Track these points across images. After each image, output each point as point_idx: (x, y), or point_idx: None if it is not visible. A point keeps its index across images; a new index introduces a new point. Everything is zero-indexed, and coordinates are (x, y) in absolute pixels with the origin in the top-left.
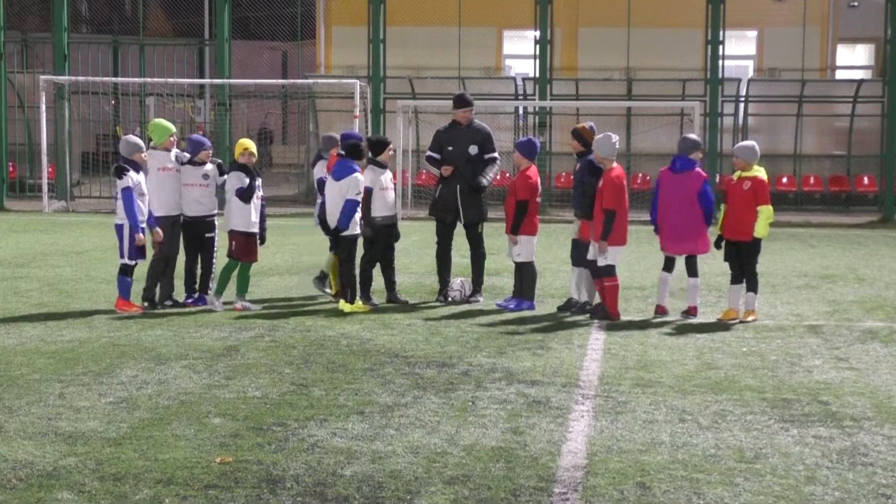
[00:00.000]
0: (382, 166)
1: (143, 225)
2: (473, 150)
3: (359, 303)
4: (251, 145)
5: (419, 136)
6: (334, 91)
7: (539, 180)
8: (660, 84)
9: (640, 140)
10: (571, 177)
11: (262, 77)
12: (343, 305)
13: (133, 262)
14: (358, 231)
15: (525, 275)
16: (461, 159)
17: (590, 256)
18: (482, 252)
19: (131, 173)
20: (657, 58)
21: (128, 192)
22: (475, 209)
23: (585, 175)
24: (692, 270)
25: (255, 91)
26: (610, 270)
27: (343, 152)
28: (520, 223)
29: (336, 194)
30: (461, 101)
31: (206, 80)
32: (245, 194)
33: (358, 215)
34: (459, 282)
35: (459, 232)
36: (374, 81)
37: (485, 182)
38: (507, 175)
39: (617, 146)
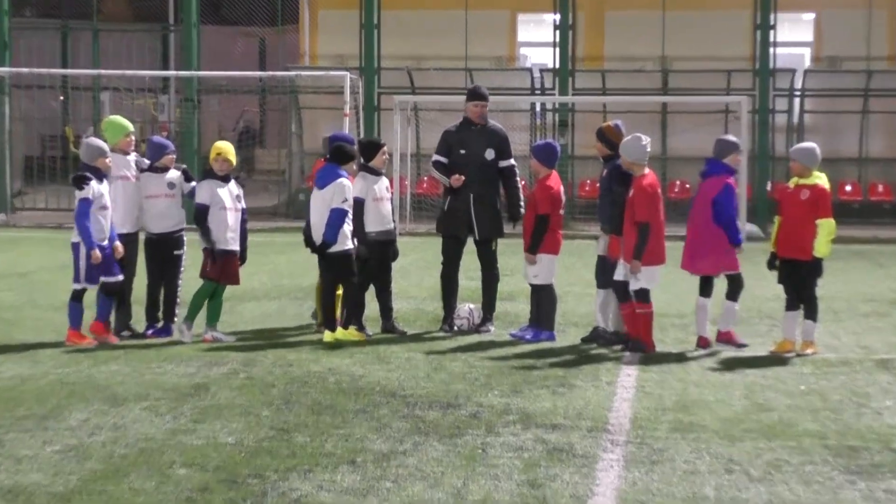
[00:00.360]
0: (376, 173)
1: (105, 242)
2: (490, 154)
3: (353, 329)
4: (226, 149)
5: (419, 136)
6: (321, 85)
7: (562, 190)
8: (700, 76)
9: (678, 141)
10: (597, 185)
11: (236, 69)
12: (329, 336)
13: (88, 287)
14: (350, 246)
15: (543, 300)
16: (475, 165)
17: (618, 277)
18: (495, 273)
19: (93, 183)
20: (697, 45)
21: (84, 205)
22: (491, 223)
23: (613, 182)
24: (728, 292)
25: (227, 85)
26: (643, 295)
27: (328, 156)
28: (540, 240)
29: (321, 205)
30: (475, 94)
31: (171, 73)
32: (197, 216)
33: (348, 228)
34: (467, 308)
35: (468, 249)
36: (367, 74)
37: (522, 210)
38: (524, 184)
39: (648, 149)
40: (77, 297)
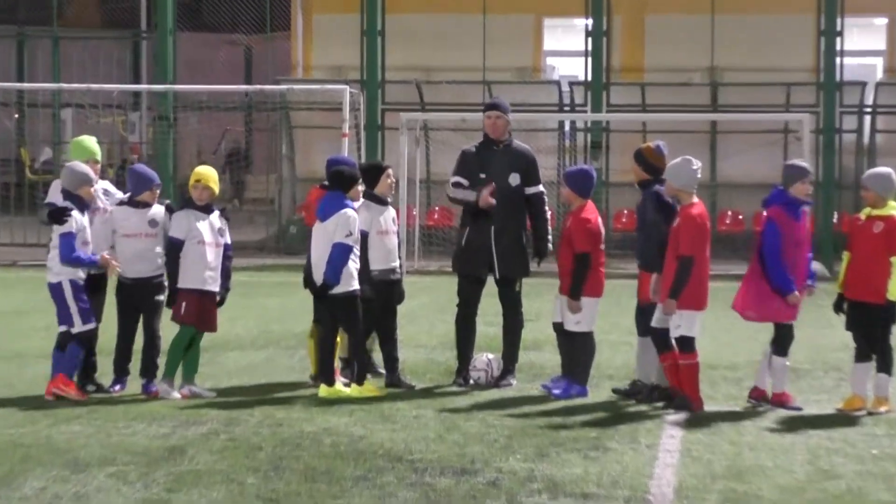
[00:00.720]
0: (381, 202)
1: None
2: (515, 179)
3: (368, 384)
4: (207, 175)
5: (430, 160)
6: (315, 100)
7: (600, 222)
8: (755, 90)
9: (729, 166)
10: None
11: (218, 82)
12: (325, 390)
13: (86, 328)
14: (356, 287)
15: (580, 348)
16: (497, 189)
17: (657, 323)
18: (519, 319)
19: (75, 214)
20: (752, 55)
21: (69, 240)
22: (516, 260)
23: (650, 212)
24: (774, 344)
25: (208, 101)
26: (686, 343)
27: (327, 183)
28: (582, 283)
29: (323, 239)
30: (489, 104)
31: (143, 87)
32: (169, 251)
33: (354, 266)
34: (485, 359)
35: (488, 291)
36: (370, 87)
37: (550, 245)
38: (552, 213)
39: (699, 174)
40: (64, 342)
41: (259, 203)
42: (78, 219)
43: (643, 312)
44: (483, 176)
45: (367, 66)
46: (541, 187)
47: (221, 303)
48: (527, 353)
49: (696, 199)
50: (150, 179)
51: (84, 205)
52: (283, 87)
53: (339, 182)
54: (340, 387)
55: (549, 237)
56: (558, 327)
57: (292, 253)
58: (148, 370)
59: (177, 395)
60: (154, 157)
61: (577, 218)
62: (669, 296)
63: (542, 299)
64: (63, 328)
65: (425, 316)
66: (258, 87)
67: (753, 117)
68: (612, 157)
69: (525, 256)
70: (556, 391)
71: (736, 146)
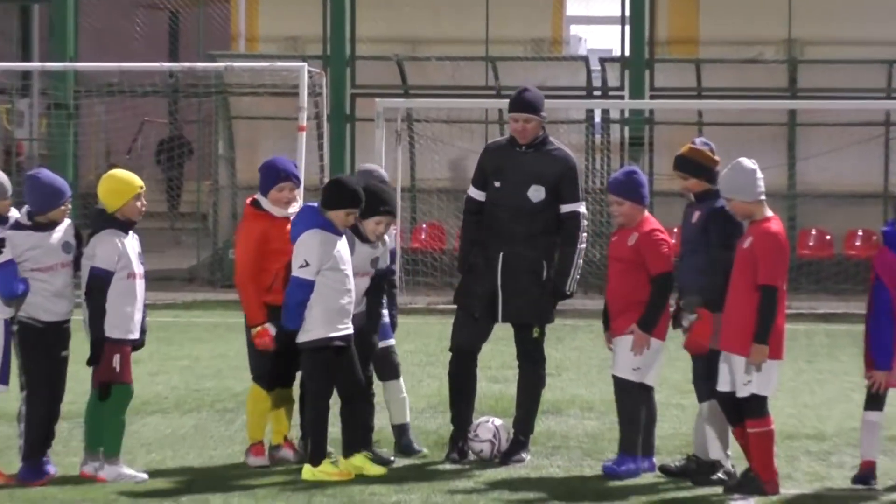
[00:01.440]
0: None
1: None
2: (538, 193)
3: (327, 464)
4: (131, 184)
5: (414, 161)
6: (263, 82)
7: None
8: (846, 69)
9: (813, 170)
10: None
11: (133, 59)
12: (311, 471)
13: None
14: (322, 335)
15: (637, 406)
16: (509, 207)
17: (724, 386)
18: (539, 374)
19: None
20: (841, 23)
21: (11, 268)
22: (528, 301)
23: (717, 233)
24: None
25: (121, 84)
26: (756, 407)
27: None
28: (659, 312)
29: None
30: (515, 103)
31: (34, 65)
32: (94, 288)
33: (326, 306)
34: (491, 426)
35: (499, 335)
36: (335, 65)
37: (571, 287)
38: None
39: (761, 183)
40: None
41: (187, 219)
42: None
43: (702, 368)
44: (497, 185)
45: (331, 36)
46: (579, 206)
47: (141, 345)
48: (545, 418)
49: (769, 212)
50: (61, 192)
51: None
52: (220, 64)
53: (332, 196)
54: (330, 467)
55: (576, 275)
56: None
57: (231, 286)
58: (45, 445)
59: (143, 475)
60: (48, 158)
61: (646, 235)
62: (757, 339)
63: (563, 347)
64: None
65: (410, 369)
66: (186, 64)
67: (844, 105)
68: (658, 158)
69: (542, 298)
70: (621, 468)
71: (821, 143)
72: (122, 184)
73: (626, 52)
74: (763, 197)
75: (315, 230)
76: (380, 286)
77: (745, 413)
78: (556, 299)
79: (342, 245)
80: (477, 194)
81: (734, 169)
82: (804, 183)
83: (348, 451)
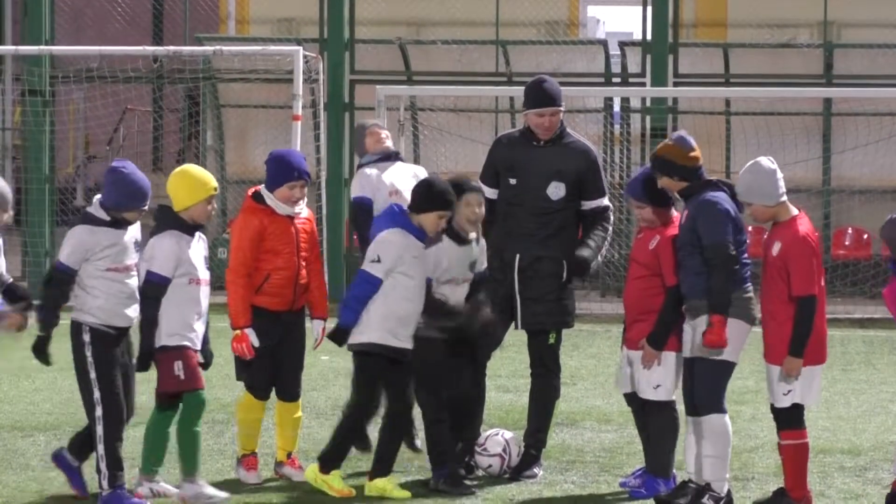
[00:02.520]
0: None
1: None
2: (558, 190)
3: (336, 476)
4: (206, 184)
5: (418, 153)
6: (255, 68)
7: None
8: (886, 55)
9: (850, 164)
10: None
11: (115, 42)
12: (378, 486)
13: None
14: (371, 339)
15: (663, 425)
16: (527, 205)
17: (784, 401)
18: (553, 384)
19: None
20: (880, 5)
21: None
22: (548, 305)
23: (704, 227)
24: None
25: (100, 69)
26: (794, 417)
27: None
28: (671, 327)
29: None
30: (539, 96)
31: (7, 48)
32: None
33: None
34: (501, 439)
35: (514, 342)
36: (333, 49)
37: (593, 262)
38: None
39: (782, 183)
40: None
41: None
42: None
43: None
44: (513, 181)
45: (328, 18)
46: (605, 201)
47: (209, 364)
48: (559, 430)
49: (794, 210)
50: (143, 193)
51: None
52: (208, 48)
53: (420, 198)
54: (335, 481)
55: (600, 253)
56: (635, 399)
57: (222, 287)
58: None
59: (225, 494)
60: (23, 149)
61: (666, 239)
62: (791, 352)
63: (579, 354)
64: None
65: None
66: (172, 48)
67: (884, 93)
68: None
69: (563, 301)
70: (644, 489)
71: (859, 135)
72: (196, 182)
73: (648, 36)
74: (784, 198)
75: (398, 230)
76: (478, 292)
77: (781, 424)
78: (580, 275)
79: (422, 254)
80: (489, 192)
81: (752, 171)
82: (840, 178)
83: (376, 473)
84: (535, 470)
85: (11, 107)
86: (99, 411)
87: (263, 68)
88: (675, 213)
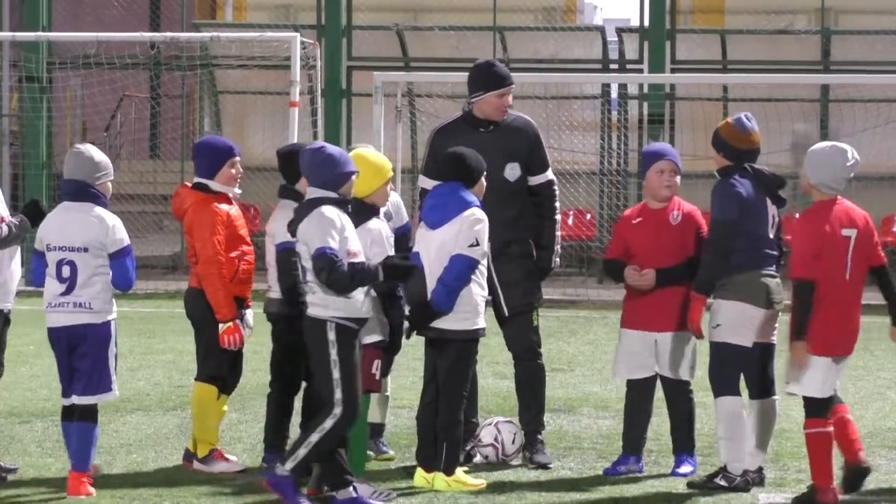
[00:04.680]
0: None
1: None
2: (514, 171)
3: (462, 472)
4: (385, 168)
5: (416, 139)
6: (252, 55)
7: None
8: (884, 41)
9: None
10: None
11: (112, 28)
12: (444, 482)
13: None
14: (480, 325)
15: (688, 404)
16: (490, 189)
17: (806, 389)
18: (541, 364)
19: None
20: None
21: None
22: (526, 284)
23: (713, 207)
24: None
25: (97, 55)
26: (814, 407)
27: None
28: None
29: (436, 253)
30: (496, 77)
31: (4, 34)
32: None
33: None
34: (492, 429)
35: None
36: (330, 36)
37: (558, 259)
38: (590, 217)
39: (852, 173)
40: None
41: (170, 202)
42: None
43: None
44: None
45: (326, 5)
46: (549, 174)
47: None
48: (556, 417)
49: (837, 198)
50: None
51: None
52: (206, 35)
53: (458, 170)
54: (465, 476)
55: (558, 247)
56: (641, 385)
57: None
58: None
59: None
60: (20, 135)
61: (688, 213)
62: (794, 336)
63: (576, 341)
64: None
65: (408, 366)
66: (169, 35)
67: (881, 79)
68: (680, 137)
69: (535, 279)
70: (683, 469)
71: (856, 121)
72: (375, 167)
73: (646, 22)
74: (833, 191)
75: (478, 208)
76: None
77: (805, 412)
78: (543, 276)
79: None
80: (430, 185)
81: (832, 150)
82: None
83: (453, 464)
84: (547, 452)
85: (9, 93)
86: (338, 411)
87: (261, 55)
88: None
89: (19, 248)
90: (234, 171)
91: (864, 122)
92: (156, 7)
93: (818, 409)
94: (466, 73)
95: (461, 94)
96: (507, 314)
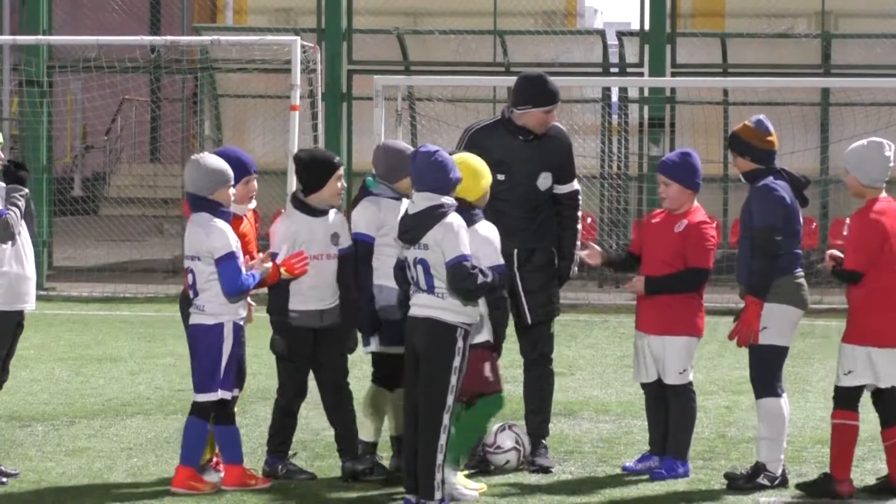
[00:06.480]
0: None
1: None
2: (546, 180)
3: (461, 477)
4: (487, 170)
5: (416, 143)
6: (253, 58)
7: None
8: (884, 45)
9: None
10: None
11: (113, 32)
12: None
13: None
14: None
15: (684, 411)
16: (521, 200)
17: (852, 380)
18: (552, 371)
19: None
20: None
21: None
22: (549, 295)
23: (757, 212)
24: None
25: (98, 59)
26: (846, 397)
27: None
28: (669, 288)
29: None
30: (546, 94)
31: (5, 38)
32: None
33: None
34: (511, 432)
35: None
36: (331, 39)
37: (576, 268)
38: (590, 221)
39: (892, 162)
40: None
41: (170, 206)
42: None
43: (763, 362)
44: (501, 177)
45: (326, 8)
46: (575, 184)
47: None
48: (556, 421)
49: (883, 195)
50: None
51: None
52: (206, 38)
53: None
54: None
55: (577, 256)
56: (651, 388)
57: None
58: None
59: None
60: (20, 139)
61: (695, 224)
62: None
63: (577, 344)
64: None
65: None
66: (169, 38)
67: (882, 83)
68: (680, 140)
69: (556, 287)
70: (660, 471)
71: (857, 125)
72: (480, 171)
73: (646, 26)
74: (882, 184)
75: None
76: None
77: (834, 402)
78: (562, 283)
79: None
80: None
81: (871, 146)
82: (837, 168)
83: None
84: (548, 456)
85: (9, 97)
86: (447, 419)
87: (261, 58)
88: (695, 203)
89: (32, 253)
90: (247, 187)
91: (864, 126)
92: (156, 10)
93: (847, 401)
94: (467, 77)
95: (462, 97)
96: (530, 322)
